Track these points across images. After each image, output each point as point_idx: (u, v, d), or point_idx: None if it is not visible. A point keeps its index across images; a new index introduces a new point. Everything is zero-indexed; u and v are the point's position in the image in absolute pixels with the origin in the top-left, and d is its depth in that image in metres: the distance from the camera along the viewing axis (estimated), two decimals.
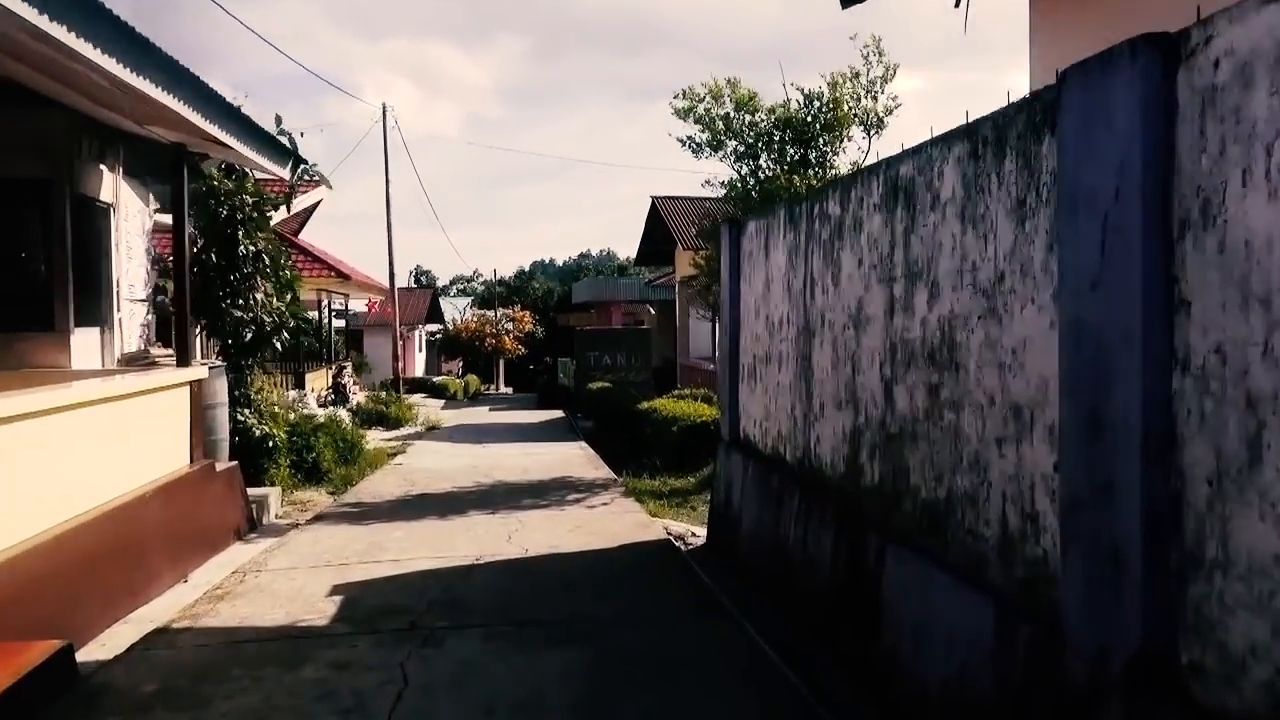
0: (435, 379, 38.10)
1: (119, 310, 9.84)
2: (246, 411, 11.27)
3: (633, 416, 17.87)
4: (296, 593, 6.63)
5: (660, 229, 23.61)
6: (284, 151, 9.39)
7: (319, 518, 10.13)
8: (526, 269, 73.53)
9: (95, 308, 9.50)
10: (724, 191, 12.95)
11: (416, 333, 46.22)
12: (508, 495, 11.24)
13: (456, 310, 53.33)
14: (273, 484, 11.43)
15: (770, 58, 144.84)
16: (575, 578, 6.95)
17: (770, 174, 12.52)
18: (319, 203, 30.01)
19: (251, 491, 10.60)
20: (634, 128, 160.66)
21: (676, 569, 7.30)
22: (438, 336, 49.18)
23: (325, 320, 31.56)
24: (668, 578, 7.03)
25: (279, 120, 11.32)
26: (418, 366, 46.07)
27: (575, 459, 15.25)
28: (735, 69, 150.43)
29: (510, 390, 47.03)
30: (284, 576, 7.19)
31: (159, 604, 6.77)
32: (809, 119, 12.32)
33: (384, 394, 23.67)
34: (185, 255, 8.76)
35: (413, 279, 67.51)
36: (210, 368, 10.20)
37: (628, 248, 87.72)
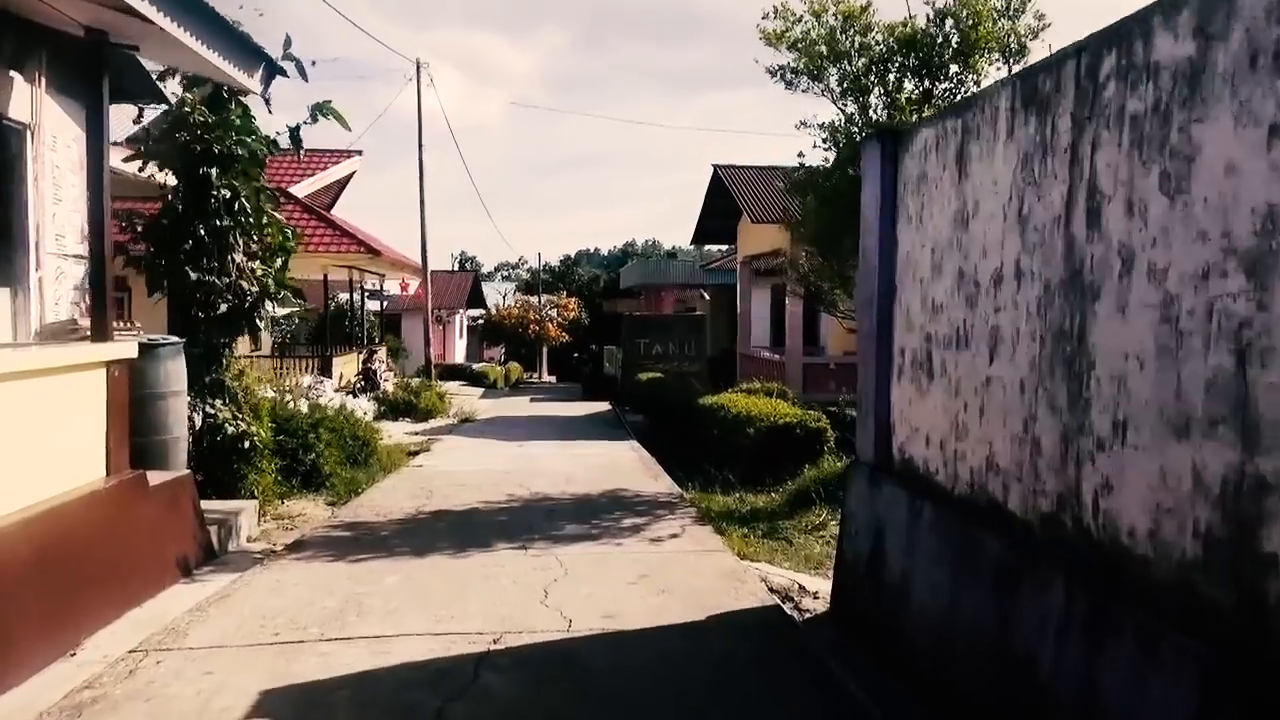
0: (475, 366, 35.72)
1: (38, 267, 7.34)
2: (218, 403, 8.75)
3: (693, 413, 15.19)
4: (200, 708, 4.04)
5: (722, 202, 20.84)
6: (251, 52, 6.80)
7: (298, 545, 7.58)
8: (572, 256, 70.96)
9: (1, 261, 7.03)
10: (822, 137, 10.15)
11: (457, 317, 43.88)
12: (547, 517, 8.61)
13: (499, 295, 50.93)
14: (253, 494, 8.93)
15: None
16: (648, 690, 4.26)
17: (885, 114, 9.72)
18: (352, 174, 27.68)
19: (219, 506, 8.12)
20: (680, 117, 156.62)
21: (808, 675, 4.58)
22: (479, 322, 46.81)
23: (357, 301, 29.23)
24: (798, 693, 4.32)
25: (288, 43, 8.79)
26: (458, 352, 43.75)
27: (628, 464, 12.59)
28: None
29: (553, 379, 44.53)
30: (199, 665, 4.60)
31: (7, 703, 4.27)
32: (939, 41, 9.48)
33: (414, 381, 21.20)
34: (104, 189, 6.21)
35: (456, 264, 65.32)
36: (159, 345, 7.70)
37: (673, 236, 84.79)
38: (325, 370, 23.23)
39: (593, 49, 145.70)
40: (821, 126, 10.12)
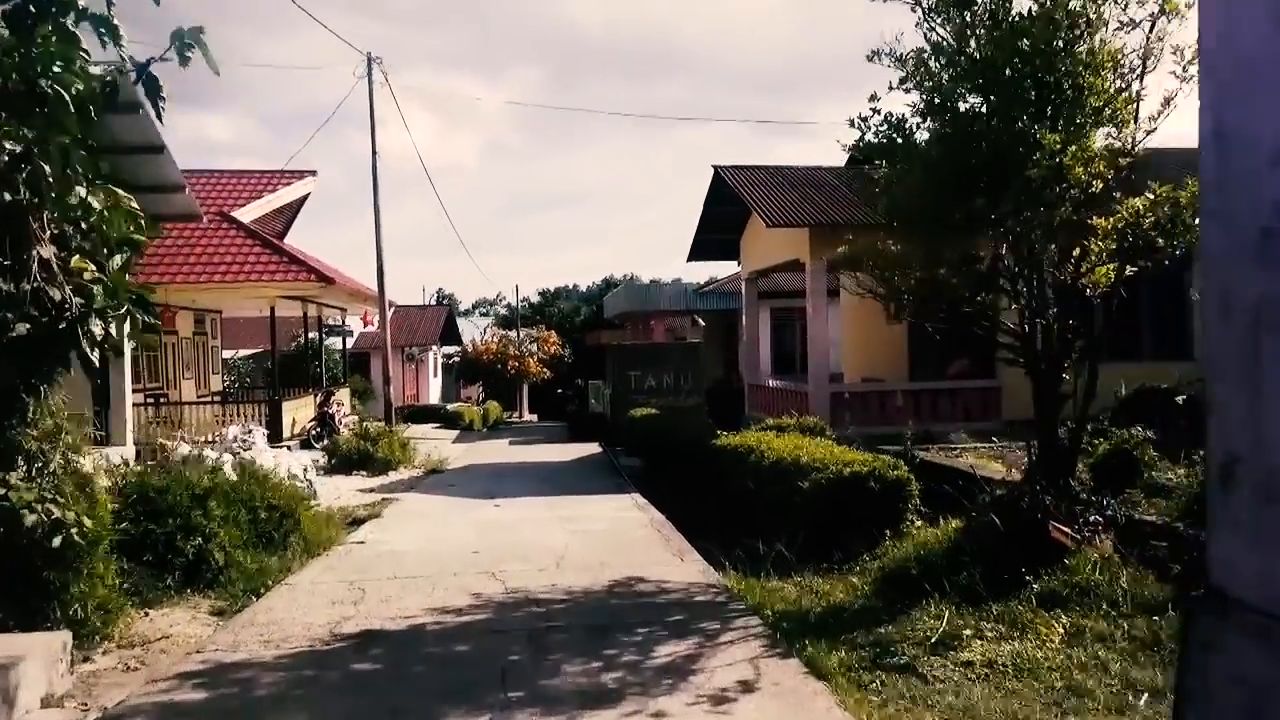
0: (449, 407, 32.39)
1: None
2: (15, 479, 5.52)
3: (707, 457, 12.06)
4: None
5: (724, 211, 17.85)
6: None
7: None
8: (552, 290, 67.85)
9: None
10: (899, 76, 7.14)
11: (430, 355, 40.55)
12: (532, 643, 5.39)
13: (477, 331, 47.67)
14: (77, 616, 5.69)
15: (788, 82, 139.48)
16: None
17: (987, 36, 6.71)
18: (306, 197, 24.46)
19: None
20: (653, 155, 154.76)
21: None
22: (455, 360, 43.49)
23: (312, 338, 25.97)
24: None
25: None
26: (432, 392, 40.37)
27: (637, 531, 9.38)
28: (754, 94, 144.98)
29: (535, 418, 41.21)
30: None
31: None
32: None
33: (372, 427, 17.92)
34: None
35: (433, 300, 62.03)
36: None
37: (651, 271, 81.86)
38: (275, 416, 19.92)
39: (564, 89, 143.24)
40: (898, 60, 7.11)
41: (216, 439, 13.34)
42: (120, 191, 6.27)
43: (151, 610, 6.80)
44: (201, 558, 7.32)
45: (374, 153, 19.96)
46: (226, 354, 30.87)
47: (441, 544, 8.84)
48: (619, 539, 8.79)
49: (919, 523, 8.00)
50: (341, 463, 15.73)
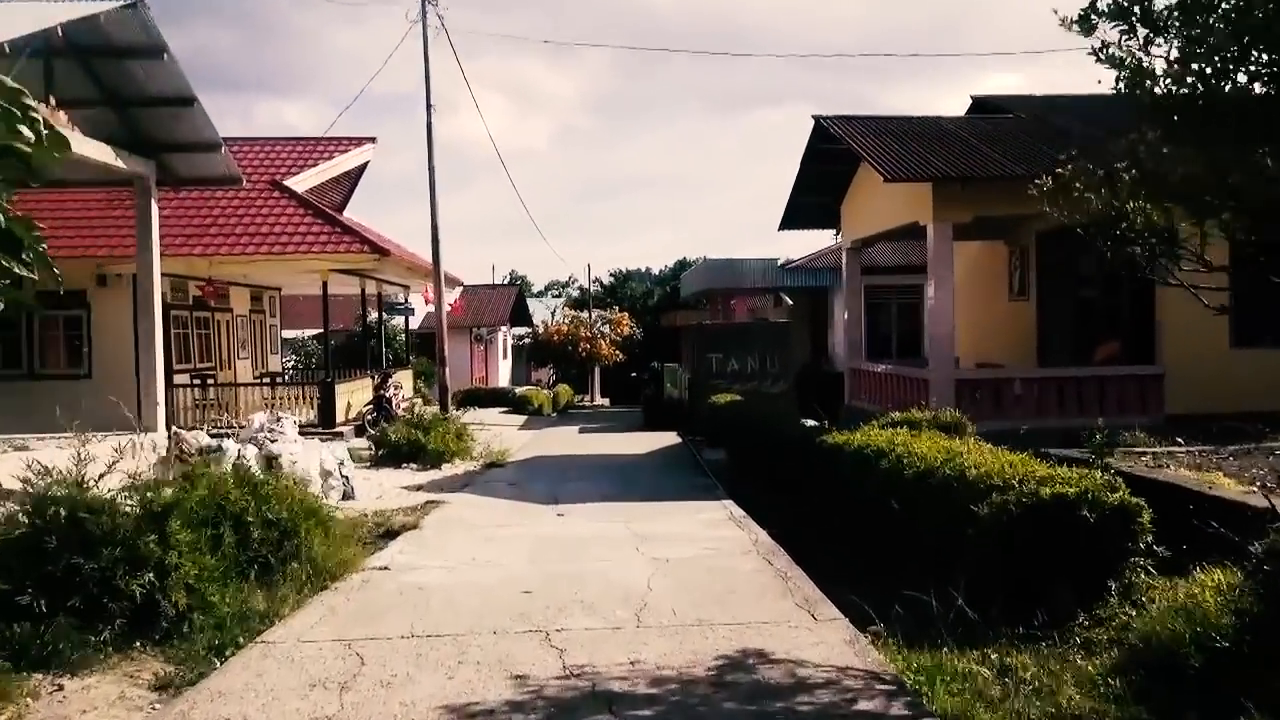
0: (517, 390, 30.44)
1: None
2: None
3: (823, 461, 9.66)
4: None
5: (822, 172, 15.25)
6: None
7: None
8: (624, 271, 65.58)
9: None
10: None
11: (499, 336, 38.70)
12: None
13: (547, 312, 45.74)
14: None
15: (856, 58, 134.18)
16: None
17: None
18: (365, 165, 22.55)
19: None
20: (724, 138, 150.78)
21: None
22: (525, 341, 41.61)
23: (373, 315, 24.16)
24: None
25: None
26: (501, 375, 38.56)
27: (740, 563, 7.00)
28: (823, 73, 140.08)
29: (607, 402, 39.09)
30: None
31: None
32: None
33: (427, 413, 15.91)
34: None
35: (504, 281, 60.39)
36: None
37: (726, 251, 78.79)
38: (327, 399, 18.12)
39: (636, 71, 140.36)
40: None
41: (241, 427, 11.46)
42: (14, 84, 4.09)
43: (72, 679, 4.78)
44: (153, 599, 5.28)
45: (429, 105, 17.95)
46: (291, 334, 29.46)
47: (485, 575, 6.66)
48: (719, 576, 6.47)
49: (1137, 561, 5.53)
50: (390, 454, 13.74)
